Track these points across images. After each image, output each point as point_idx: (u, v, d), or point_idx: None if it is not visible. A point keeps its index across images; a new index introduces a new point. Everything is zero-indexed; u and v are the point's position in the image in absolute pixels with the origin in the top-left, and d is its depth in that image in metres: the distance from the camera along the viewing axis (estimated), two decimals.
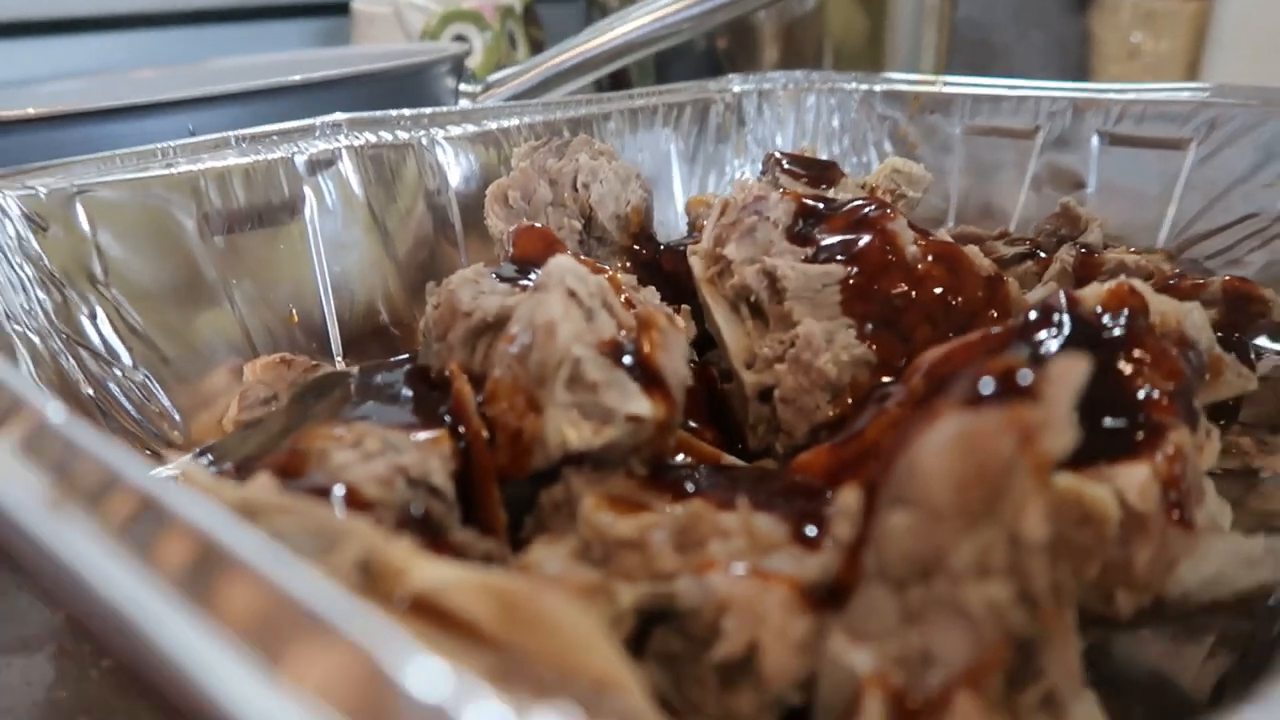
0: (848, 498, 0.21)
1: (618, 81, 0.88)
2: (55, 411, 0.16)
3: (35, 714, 0.26)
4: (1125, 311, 0.27)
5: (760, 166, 0.48)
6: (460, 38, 0.81)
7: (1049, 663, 0.19)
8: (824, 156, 0.63)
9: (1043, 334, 0.27)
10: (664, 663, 0.23)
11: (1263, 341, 0.42)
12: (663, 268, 0.44)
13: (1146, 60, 1.10)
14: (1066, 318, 0.25)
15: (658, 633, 0.23)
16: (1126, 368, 0.25)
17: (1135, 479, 0.23)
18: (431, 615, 0.18)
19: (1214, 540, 0.23)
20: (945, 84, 0.59)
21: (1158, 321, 0.28)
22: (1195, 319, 0.29)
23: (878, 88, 0.61)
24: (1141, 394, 0.25)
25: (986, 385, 0.19)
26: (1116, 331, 0.26)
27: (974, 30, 1.20)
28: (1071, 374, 0.18)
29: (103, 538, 0.13)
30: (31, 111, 0.41)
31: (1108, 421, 0.24)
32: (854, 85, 0.62)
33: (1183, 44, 1.07)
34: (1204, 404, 0.29)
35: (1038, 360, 0.26)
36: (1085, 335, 0.26)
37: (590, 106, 0.54)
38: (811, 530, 0.23)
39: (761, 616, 0.21)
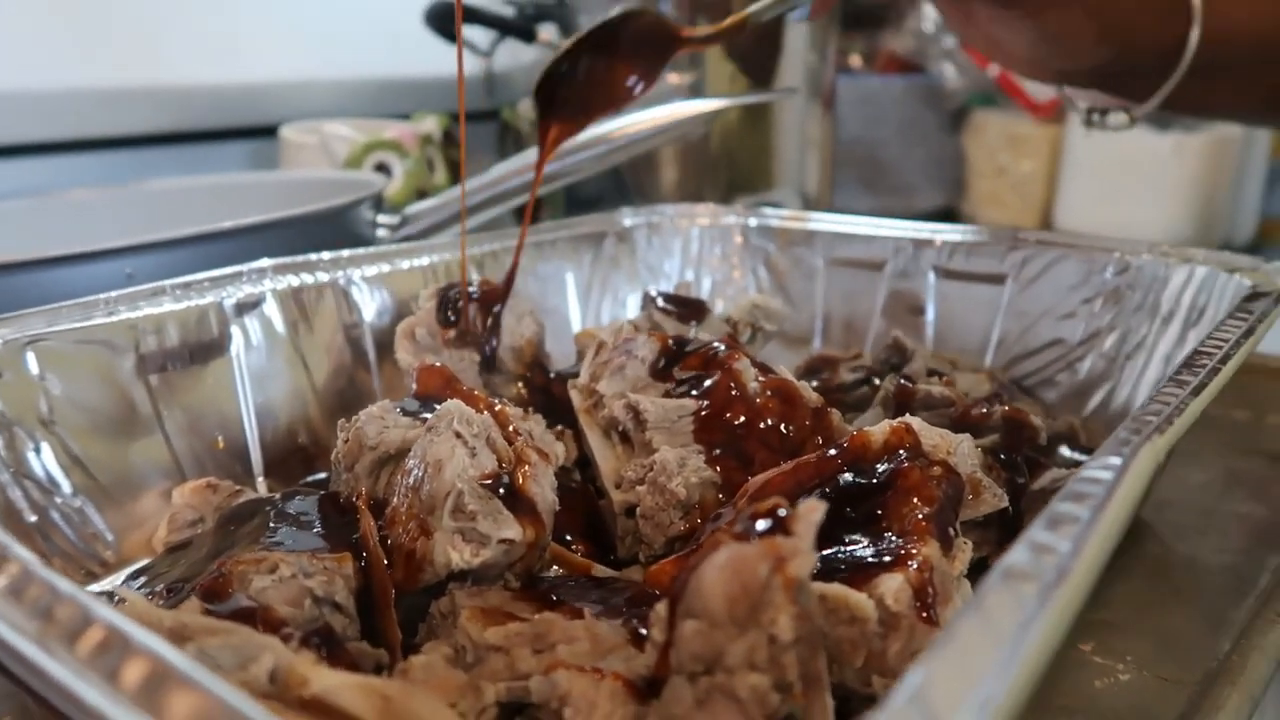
0: (659, 608, 0.27)
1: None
2: (33, 560, 0.22)
3: None
4: (902, 448, 0.34)
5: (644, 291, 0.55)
6: (382, 165, 0.88)
7: None
8: (707, 281, 0.70)
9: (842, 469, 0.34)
10: None
11: (1066, 451, 0.50)
12: (553, 393, 0.51)
13: (1012, 178, 1.22)
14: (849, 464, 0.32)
15: None
16: (893, 497, 0.32)
17: (891, 585, 0.29)
18: (327, 712, 0.23)
19: None
20: (810, 221, 0.67)
21: (930, 449, 0.35)
22: (964, 449, 0.36)
23: (752, 222, 0.69)
24: (905, 518, 0.32)
25: (751, 522, 0.26)
26: (892, 466, 0.33)
27: (863, 147, 1.32)
28: (813, 515, 0.25)
29: (78, 665, 0.18)
30: None
31: (876, 541, 0.31)
32: (732, 219, 0.70)
33: (1042, 164, 1.19)
34: (967, 519, 0.36)
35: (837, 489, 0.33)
36: (862, 472, 0.33)
37: (494, 243, 0.61)
38: (643, 633, 0.29)
39: (594, 705, 0.26)
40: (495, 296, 0.51)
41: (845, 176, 1.31)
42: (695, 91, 0.96)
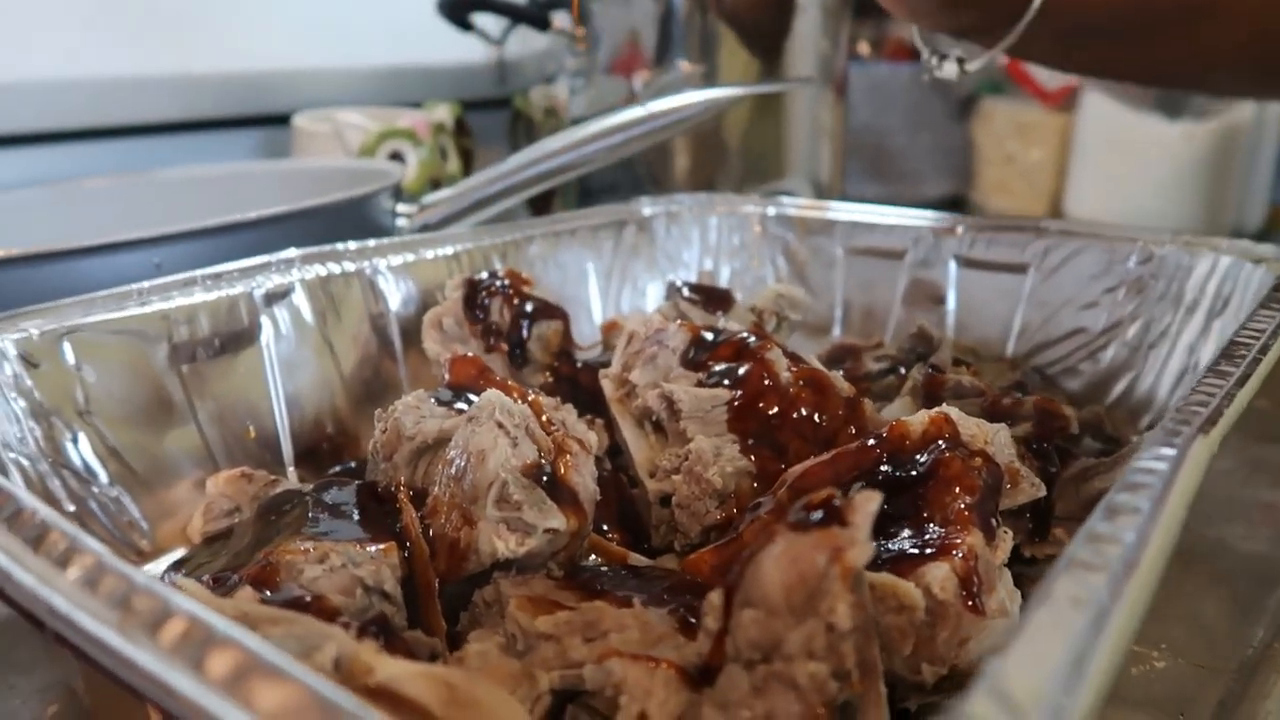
0: (713, 597, 0.27)
1: (543, 198, 0.96)
2: (106, 552, 0.22)
3: None
4: (941, 438, 0.34)
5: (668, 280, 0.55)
6: (395, 154, 0.87)
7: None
8: (726, 270, 0.71)
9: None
10: None
11: (1090, 440, 0.50)
12: (580, 382, 0.51)
13: (1020, 166, 1.22)
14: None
15: (570, 708, 0.28)
16: (935, 487, 0.32)
17: (938, 575, 0.29)
18: (392, 700, 0.23)
19: (999, 621, 0.30)
20: (829, 209, 0.67)
21: (969, 439, 0.35)
22: (1001, 439, 0.36)
23: (770, 211, 0.69)
24: (947, 508, 0.32)
25: (806, 513, 0.26)
26: (933, 455, 0.33)
27: (870, 135, 1.32)
28: (869, 505, 0.25)
29: (164, 655, 0.19)
30: (15, 252, 0.46)
31: (920, 531, 0.31)
32: (751, 208, 0.70)
33: (1051, 152, 1.19)
34: (1005, 508, 0.36)
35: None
36: (902, 462, 0.33)
37: (515, 232, 0.61)
38: (692, 621, 0.29)
39: (649, 693, 0.26)
40: (520, 284, 0.52)
41: (853, 164, 1.31)
42: (708, 80, 0.96)
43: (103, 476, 0.41)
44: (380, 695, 0.24)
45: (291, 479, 0.48)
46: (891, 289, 0.64)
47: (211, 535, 0.39)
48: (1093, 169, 1.15)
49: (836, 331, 0.65)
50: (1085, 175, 1.15)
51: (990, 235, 0.59)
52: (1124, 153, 1.11)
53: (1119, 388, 0.54)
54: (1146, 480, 0.23)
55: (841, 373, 0.52)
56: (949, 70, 0.60)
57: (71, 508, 0.40)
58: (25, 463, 0.38)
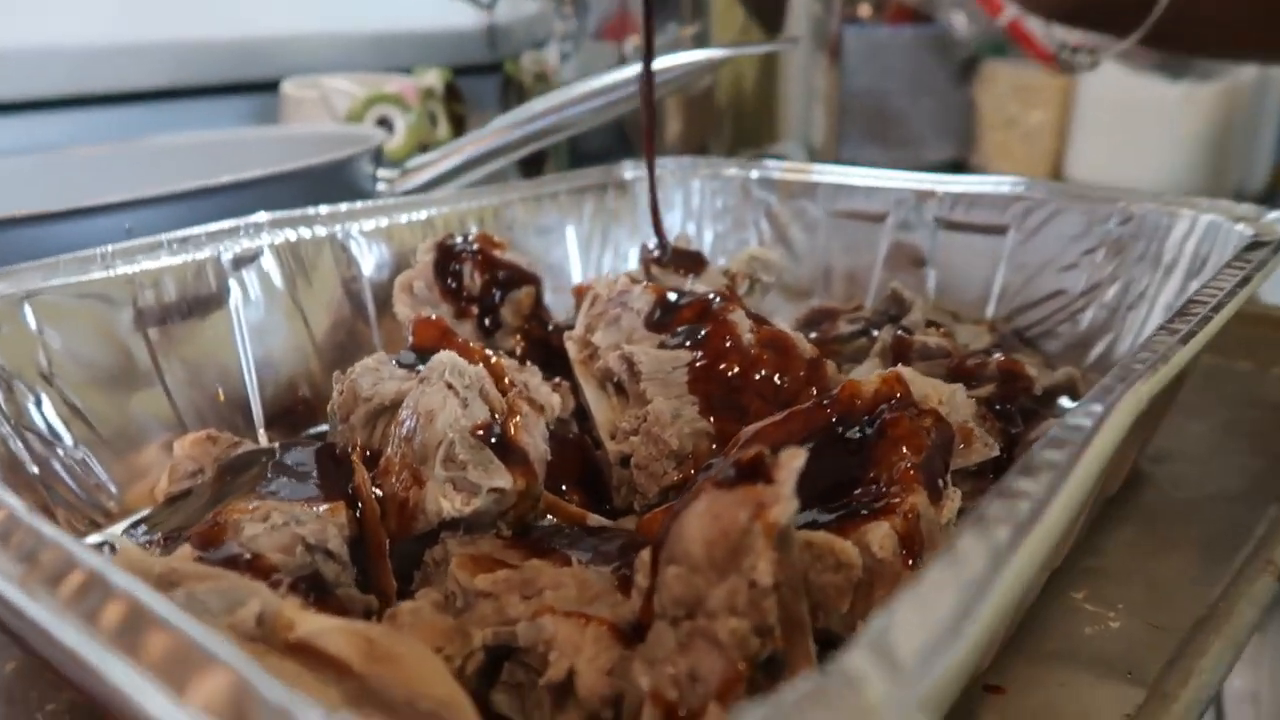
0: (644, 555, 0.27)
1: (534, 160, 0.96)
2: (20, 507, 0.22)
3: None
4: (892, 398, 0.34)
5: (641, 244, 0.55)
6: (384, 119, 0.87)
7: (790, 677, 0.25)
8: (709, 233, 0.70)
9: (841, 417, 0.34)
10: (510, 690, 0.29)
11: (1066, 402, 0.50)
12: (552, 345, 0.51)
13: (1022, 129, 1.20)
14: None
15: (506, 666, 0.29)
16: (882, 446, 0.32)
17: (878, 533, 0.29)
18: (311, 654, 0.23)
19: None
20: (812, 173, 0.66)
21: (922, 399, 0.35)
22: (956, 399, 0.36)
23: (754, 174, 0.68)
24: (893, 467, 0.32)
25: (734, 469, 0.26)
26: (883, 416, 0.33)
27: (870, 99, 1.30)
28: (794, 462, 0.25)
29: (59, 608, 0.19)
30: None
31: (864, 490, 0.31)
32: (734, 171, 0.69)
33: (1053, 115, 1.18)
34: (958, 467, 0.36)
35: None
36: (852, 422, 0.33)
37: (494, 196, 0.60)
38: (630, 580, 0.29)
39: (579, 649, 0.27)
40: (492, 248, 0.51)
41: (853, 129, 1.30)
42: (700, 41, 0.95)
43: (68, 439, 0.41)
44: (301, 650, 0.24)
45: (263, 441, 0.48)
46: (874, 252, 0.63)
47: (173, 495, 0.40)
48: (1094, 132, 1.13)
49: (819, 295, 0.65)
50: (1086, 138, 1.13)
51: (970, 198, 0.59)
52: (1126, 115, 1.10)
53: (1098, 349, 0.54)
54: (1070, 436, 0.23)
55: (815, 335, 0.52)
56: (1082, 61, 0.59)
57: (35, 470, 0.40)
58: None
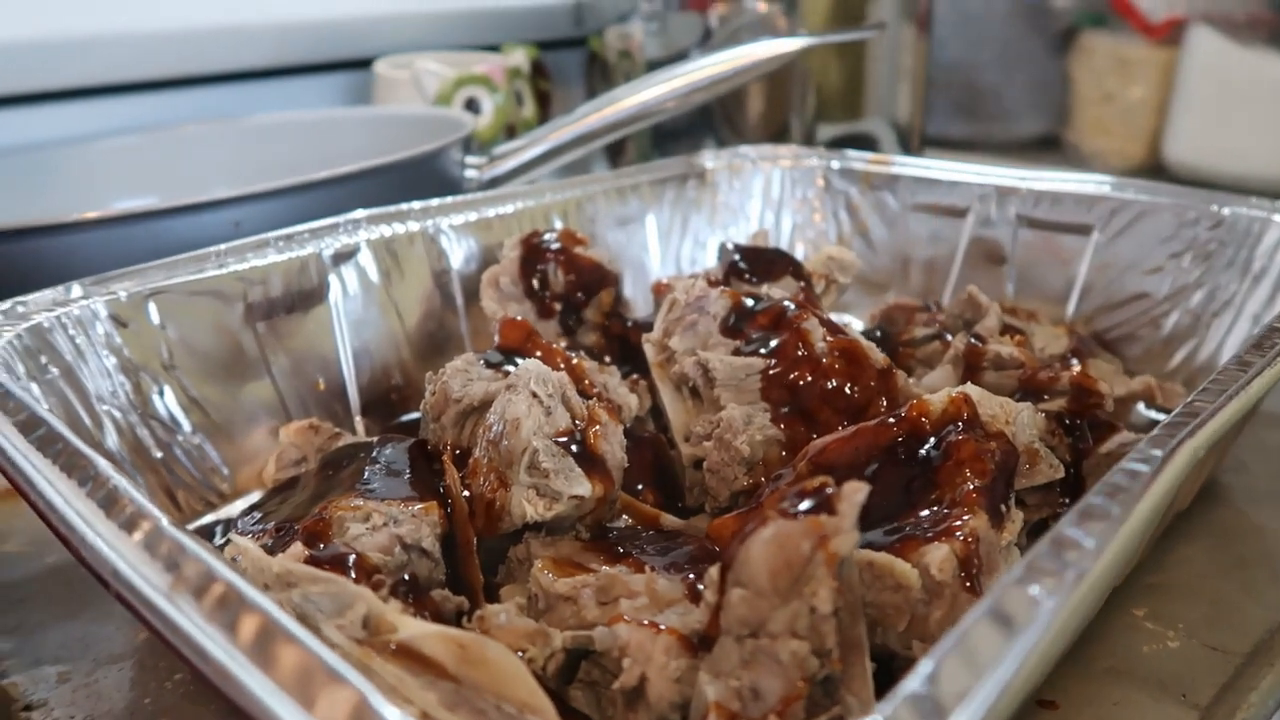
0: (713, 572, 0.29)
1: (617, 142, 0.97)
2: (164, 520, 0.25)
3: (124, 716, 0.35)
4: (960, 419, 0.35)
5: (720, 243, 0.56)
6: (471, 100, 0.89)
7: (846, 695, 0.27)
8: (788, 223, 0.71)
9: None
10: (587, 687, 0.31)
11: (1142, 408, 0.50)
12: (630, 342, 0.53)
13: (1120, 105, 1.16)
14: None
15: (583, 665, 0.31)
16: (946, 469, 0.33)
17: (937, 556, 0.31)
18: (412, 657, 0.26)
19: None
20: (893, 164, 0.66)
21: (989, 419, 0.36)
22: (1023, 419, 0.37)
23: (835, 164, 0.68)
24: (956, 489, 0.33)
25: (798, 500, 0.27)
26: (949, 438, 0.34)
27: (959, 73, 1.27)
28: (856, 495, 0.26)
29: (204, 621, 0.22)
30: (110, 213, 0.50)
31: (926, 512, 0.33)
32: (815, 161, 0.69)
33: (1153, 91, 1.13)
34: (1025, 487, 0.37)
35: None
36: (919, 442, 0.34)
37: (576, 190, 0.62)
38: (700, 589, 0.31)
39: (650, 657, 0.29)
40: (574, 245, 0.53)
41: (941, 103, 1.27)
42: (786, 16, 0.94)
43: (186, 426, 0.45)
44: (402, 653, 0.26)
45: (359, 427, 0.51)
46: (953, 247, 0.63)
47: (280, 483, 0.43)
48: (1196, 109, 1.09)
49: (895, 289, 0.65)
50: (1187, 116, 1.09)
51: (1055, 195, 0.58)
52: (1230, 92, 1.05)
53: (1179, 356, 0.53)
54: (1125, 484, 0.24)
55: (887, 337, 0.53)
56: None
57: (159, 454, 0.44)
58: (117, 414, 0.42)
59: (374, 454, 0.40)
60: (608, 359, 0.50)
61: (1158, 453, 0.25)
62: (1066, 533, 0.23)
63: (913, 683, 0.18)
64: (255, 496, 0.45)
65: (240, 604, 0.22)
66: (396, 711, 0.18)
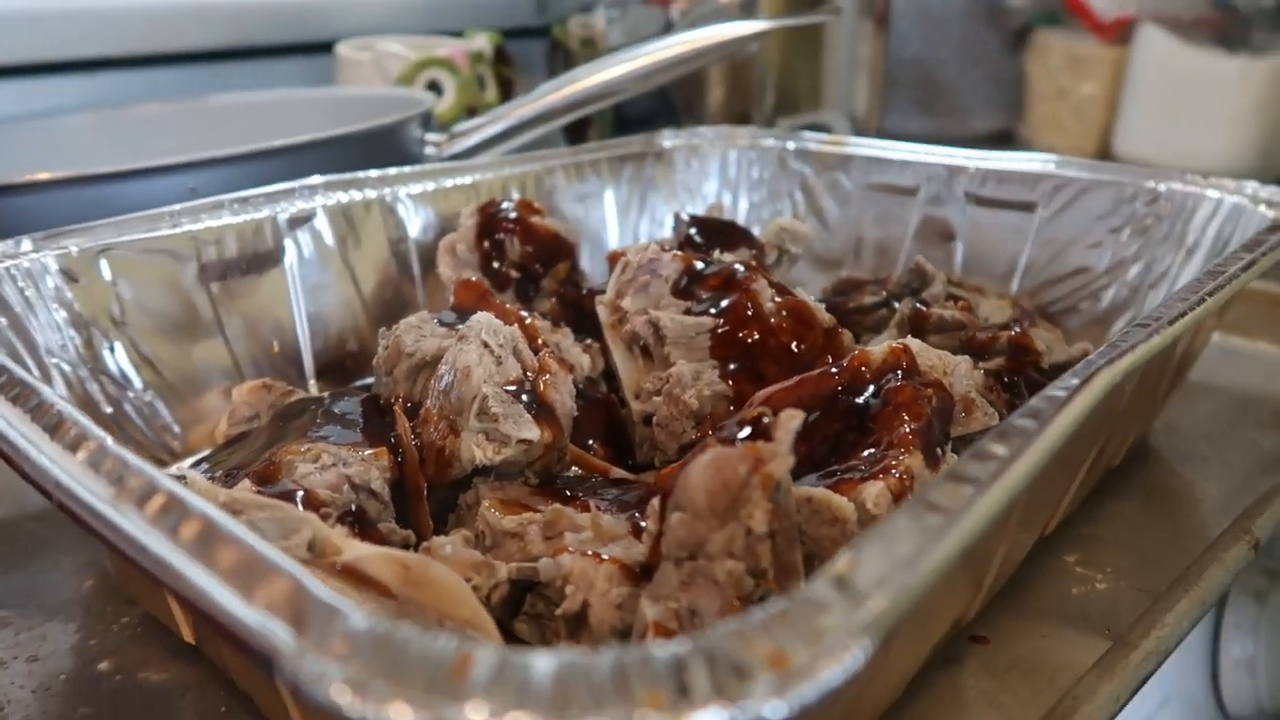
0: (654, 503, 0.30)
1: (578, 125, 0.98)
2: (108, 439, 0.25)
3: (71, 658, 0.35)
4: (899, 368, 0.36)
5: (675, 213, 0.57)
6: (433, 83, 0.90)
7: None
8: (744, 203, 0.72)
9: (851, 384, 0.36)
10: (531, 620, 0.32)
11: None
12: (585, 308, 0.53)
13: (1073, 101, 1.19)
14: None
15: (528, 598, 0.32)
16: (885, 412, 0.34)
17: (873, 491, 0.32)
18: (355, 577, 0.26)
19: None
20: (847, 145, 0.68)
21: (927, 369, 0.37)
22: (960, 370, 0.38)
23: (791, 145, 0.70)
24: (893, 432, 0.34)
25: (737, 429, 0.28)
26: (887, 385, 0.35)
27: (918, 68, 1.30)
28: (792, 422, 0.27)
29: (146, 524, 0.22)
30: (61, 174, 0.50)
31: (865, 452, 0.34)
32: (771, 142, 0.71)
33: (1104, 88, 1.16)
34: (959, 435, 0.38)
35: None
36: (859, 389, 0.35)
37: (536, 164, 0.63)
38: (644, 526, 0.32)
39: (592, 584, 0.29)
40: (531, 214, 0.54)
41: (899, 98, 1.29)
42: (745, 9, 0.95)
43: (137, 383, 0.45)
44: (346, 573, 0.27)
45: (313, 391, 0.52)
46: (904, 225, 0.65)
47: (231, 437, 0.43)
48: (1145, 105, 1.12)
49: (848, 266, 0.67)
50: (1137, 111, 1.12)
51: (1001, 174, 0.60)
52: (1178, 89, 1.08)
53: (1117, 327, 0.55)
54: (1043, 406, 0.25)
55: (837, 305, 0.54)
56: None
57: (109, 410, 0.44)
58: (66, 368, 0.42)
59: (327, 405, 0.40)
60: (564, 324, 0.51)
61: (1075, 380, 0.26)
62: (987, 447, 0.24)
63: (833, 567, 0.19)
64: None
65: (183, 510, 0.22)
66: (330, 593, 0.18)
